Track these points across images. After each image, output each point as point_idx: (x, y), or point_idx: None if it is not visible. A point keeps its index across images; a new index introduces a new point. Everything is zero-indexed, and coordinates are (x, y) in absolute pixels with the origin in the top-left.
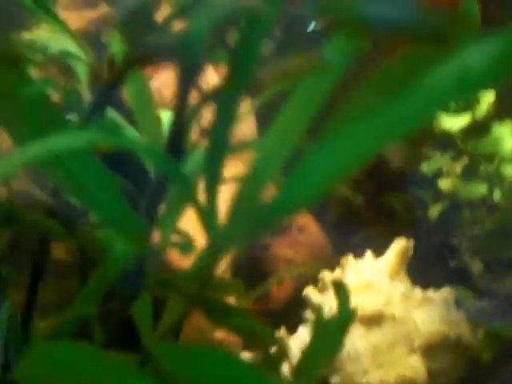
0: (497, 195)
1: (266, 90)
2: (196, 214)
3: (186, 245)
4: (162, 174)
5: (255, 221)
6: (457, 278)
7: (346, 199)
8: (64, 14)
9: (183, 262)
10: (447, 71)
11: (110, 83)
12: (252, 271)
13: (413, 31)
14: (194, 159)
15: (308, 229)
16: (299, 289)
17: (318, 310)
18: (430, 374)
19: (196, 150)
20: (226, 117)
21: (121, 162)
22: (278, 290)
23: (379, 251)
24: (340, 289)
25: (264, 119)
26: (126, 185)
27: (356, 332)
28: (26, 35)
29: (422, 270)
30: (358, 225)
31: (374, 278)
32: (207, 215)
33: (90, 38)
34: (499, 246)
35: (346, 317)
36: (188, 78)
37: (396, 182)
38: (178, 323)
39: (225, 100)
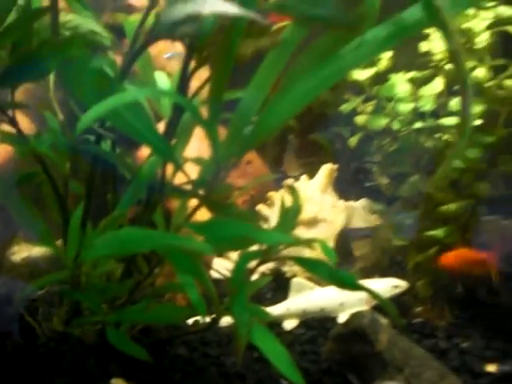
0: (395, 125)
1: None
2: (204, 132)
3: (198, 158)
4: (177, 109)
5: (242, 142)
6: (371, 193)
7: (282, 139)
8: None
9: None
10: (352, 45)
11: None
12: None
13: (333, 21)
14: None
15: (254, 162)
16: (253, 208)
17: (282, 202)
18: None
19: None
20: (221, 70)
21: None
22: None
23: (311, 175)
24: (292, 189)
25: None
26: None
27: (299, 232)
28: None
29: (345, 190)
30: (293, 158)
31: (309, 193)
32: (211, 131)
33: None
34: (398, 163)
35: (297, 207)
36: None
37: (319, 123)
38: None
39: (219, 59)
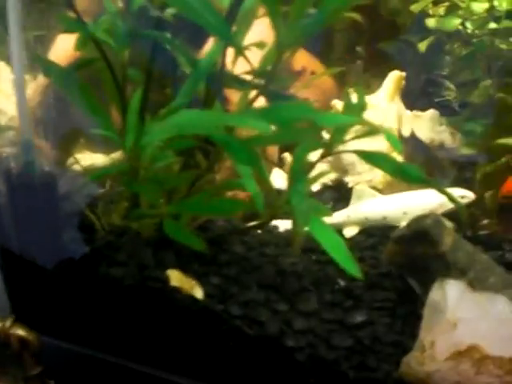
0: (468, 26)
1: None
2: (269, 19)
3: (260, 43)
4: None
5: (304, 26)
6: (441, 108)
7: (348, 47)
8: None
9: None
10: None
11: None
12: None
13: None
14: None
15: (318, 72)
16: None
17: (345, 94)
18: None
19: None
20: None
21: None
22: None
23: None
24: (357, 87)
25: None
26: None
27: (362, 142)
28: None
29: (414, 102)
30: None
31: (374, 101)
32: (276, 19)
33: None
34: (470, 68)
35: (362, 103)
36: None
37: (389, 31)
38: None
39: None
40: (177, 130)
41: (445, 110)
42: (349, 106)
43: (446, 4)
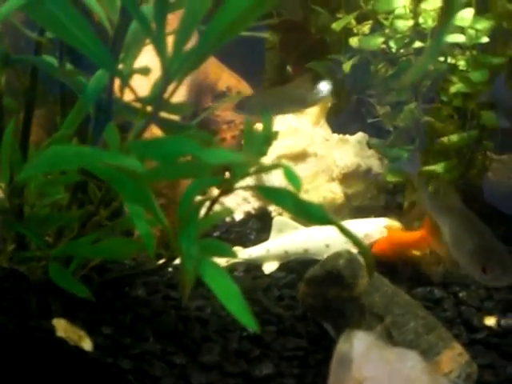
0: (393, 45)
1: None
2: (153, 46)
3: (144, 69)
4: (122, 19)
5: (190, 53)
6: (373, 129)
7: (278, 65)
8: None
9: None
10: None
11: None
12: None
13: None
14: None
15: (244, 92)
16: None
17: (247, 123)
18: (347, 196)
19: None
20: None
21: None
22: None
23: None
24: (266, 115)
25: None
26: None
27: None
28: None
29: (344, 124)
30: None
31: (299, 125)
32: (159, 45)
33: None
34: (396, 90)
35: (269, 133)
36: None
37: (318, 50)
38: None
39: None
40: (47, 167)
41: (378, 130)
42: (251, 138)
43: (370, 22)
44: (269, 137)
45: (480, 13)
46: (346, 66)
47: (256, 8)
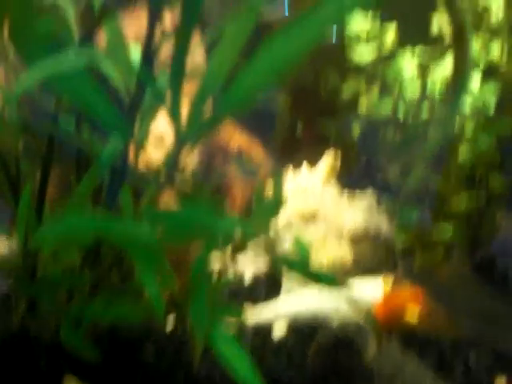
0: (401, 111)
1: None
2: (167, 114)
3: (159, 137)
4: (138, 89)
5: (204, 122)
6: (382, 188)
7: (289, 125)
8: None
9: (157, 155)
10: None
11: (93, 25)
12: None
13: None
14: (161, 80)
15: (254, 151)
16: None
17: (257, 191)
18: (356, 256)
19: (161, 72)
20: (182, 48)
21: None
22: (233, 205)
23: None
24: (276, 179)
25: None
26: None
27: (296, 226)
28: None
29: (354, 183)
30: (298, 145)
31: (309, 185)
32: (173, 114)
33: None
34: (405, 153)
35: (279, 199)
36: (154, 20)
37: (327, 111)
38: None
39: (181, 36)
40: (63, 236)
41: (386, 191)
42: (261, 204)
43: (379, 85)
44: (279, 202)
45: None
46: (356, 130)
47: (276, 77)
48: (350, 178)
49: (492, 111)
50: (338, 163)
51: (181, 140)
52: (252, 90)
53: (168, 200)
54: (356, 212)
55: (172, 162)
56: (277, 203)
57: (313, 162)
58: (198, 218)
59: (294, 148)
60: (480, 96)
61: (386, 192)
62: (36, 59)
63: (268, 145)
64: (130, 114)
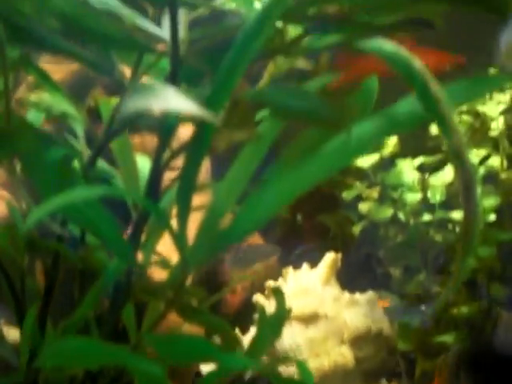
0: (402, 216)
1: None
2: (171, 239)
3: (163, 262)
4: (143, 210)
5: (215, 244)
6: (382, 283)
7: (289, 219)
8: (47, 67)
9: (161, 275)
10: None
11: (103, 142)
12: (210, 281)
13: (313, 116)
14: (169, 196)
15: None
16: (250, 296)
17: (261, 309)
18: (358, 360)
19: (169, 189)
20: (192, 165)
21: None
22: (232, 297)
23: (316, 262)
24: (278, 294)
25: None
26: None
27: (296, 329)
28: (32, 97)
29: (353, 278)
30: (298, 240)
31: (309, 285)
32: (179, 239)
33: (74, 89)
34: (405, 256)
35: (282, 314)
36: (164, 141)
37: (328, 203)
38: (158, 320)
39: (191, 153)
40: (66, 361)
41: (387, 284)
42: (264, 321)
43: (378, 189)
44: (282, 317)
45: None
46: (356, 229)
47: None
48: (349, 272)
49: (492, 218)
50: (339, 262)
51: (186, 263)
52: (260, 218)
53: (173, 318)
54: (357, 313)
55: (176, 283)
56: (280, 318)
57: (314, 257)
58: (203, 350)
59: (294, 239)
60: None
61: (386, 289)
62: (46, 184)
63: (268, 234)
64: (135, 236)
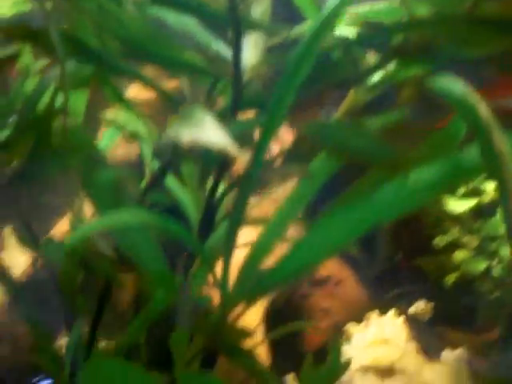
0: (496, 271)
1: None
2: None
3: (206, 298)
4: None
5: (256, 285)
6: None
7: (388, 256)
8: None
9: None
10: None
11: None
12: (289, 317)
13: (373, 158)
14: (218, 234)
15: (345, 282)
16: (330, 337)
17: (307, 358)
18: None
19: (221, 226)
20: (242, 201)
21: None
22: (313, 334)
23: (406, 308)
24: (334, 347)
25: None
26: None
27: (370, 380)
28: (108, 114)
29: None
30: (393, 282)
31: (392, 334)
32: (222, 279)
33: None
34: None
35: (334, 369)
36: (219, 175)
37: (426, 245)
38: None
39: (242, 190)
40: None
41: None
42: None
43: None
44: (335, 374)
45: None
46: (448, 280)
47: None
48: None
49: None
50: (428, 314)
51: (225, 303)
52: (308, 263)
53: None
54: (441, 370)
55: (215, 322)
56: (332, 373)
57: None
58: None
59: (390, 279)
60: None
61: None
62: (103, 204)
63: (363, 271)
64: (185, 271)
